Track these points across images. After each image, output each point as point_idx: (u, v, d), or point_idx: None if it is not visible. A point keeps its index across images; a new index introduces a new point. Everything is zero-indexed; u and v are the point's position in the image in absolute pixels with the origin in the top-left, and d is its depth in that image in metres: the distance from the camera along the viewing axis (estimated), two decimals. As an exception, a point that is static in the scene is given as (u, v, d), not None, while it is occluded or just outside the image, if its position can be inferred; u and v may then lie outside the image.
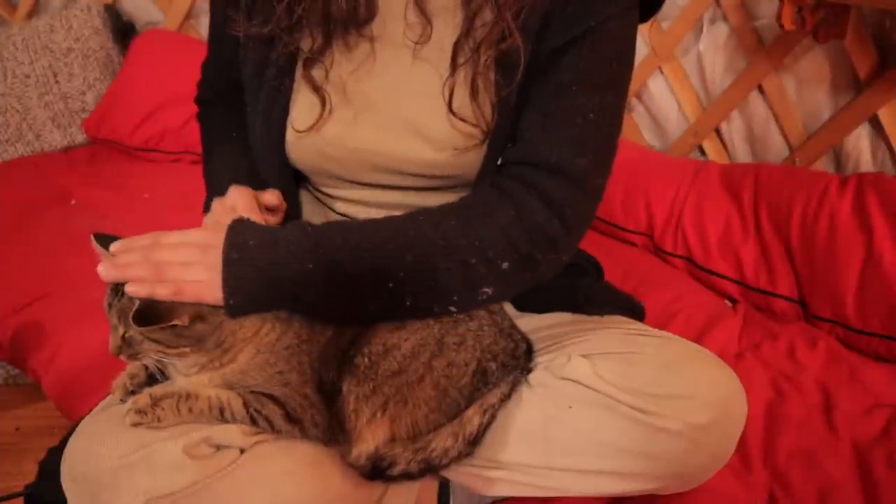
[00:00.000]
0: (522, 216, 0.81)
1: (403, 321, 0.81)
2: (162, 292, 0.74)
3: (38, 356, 1.35)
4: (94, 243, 0.78)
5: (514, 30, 0.80)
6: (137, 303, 0.73)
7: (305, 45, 0.87)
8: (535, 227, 0.81)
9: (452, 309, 0.82)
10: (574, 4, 0.81)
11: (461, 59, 0.83)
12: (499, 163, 0.85)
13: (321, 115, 0.87)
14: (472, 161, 0.87)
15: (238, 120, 1.00)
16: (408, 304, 0.80)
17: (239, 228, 0.78)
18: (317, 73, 0.88)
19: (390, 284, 0.79)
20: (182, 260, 0.76)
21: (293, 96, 0.90)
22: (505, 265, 0.81)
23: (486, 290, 0.82)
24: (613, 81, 0.85)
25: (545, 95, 0.83)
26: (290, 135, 0.90)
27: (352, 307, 0.80)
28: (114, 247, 0.77)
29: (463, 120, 0.84)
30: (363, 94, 0.88)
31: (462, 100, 0.84)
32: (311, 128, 0.88)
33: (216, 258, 0.75)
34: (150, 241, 0.77)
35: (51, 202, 1.86)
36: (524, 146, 0.84)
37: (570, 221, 0.83)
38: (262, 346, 0.79)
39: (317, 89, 0.87)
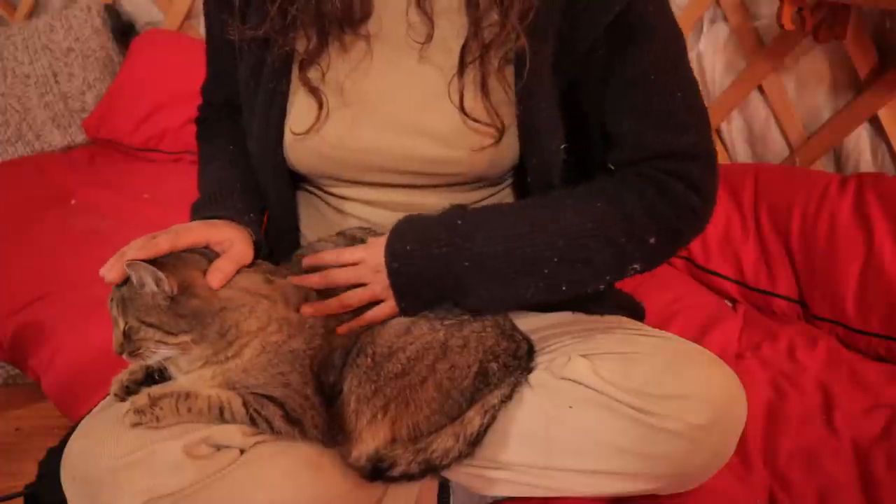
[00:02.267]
0: (664, 192, 0.83)
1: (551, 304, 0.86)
2: (370, 316, 0.83)
3: (38, 356, 1.35)
4: (136, 267, 0.75)
5: (520, 32, 0.80)
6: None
7: (301, 45, 0.87)
8: (676, 201, 0.84)
9: (602, 287, 0.86)
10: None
11: (469, 59, 0.83)
12: (610, 167, 0.87)
13: (318, 118, 0.87)
14: (485, 160, 0.87)
15: (235, 132, 1.00)
16: (564, 288, 0.83)
17: (399, 232, 0.83)
18: (313, 74, 0.88)
19: (545, 271, 0.81)
20: (361, 282, 0.83)
21: (290, 98, 0.89)
22: (652, 240, 0.84)
23: (636, 265, 0.85)
24: (678, 54, 0.87)
25: (626, 94, 0.84)
26: (288, 137, 0.90)
27: (511, 296, 0.83)
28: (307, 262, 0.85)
29: (476, 120, 0.84)
30: (361, 95, 0.88)
31: (473, 100, 0.84)
32: (308, 130, 0.88)
33: (384, 271, 0.82)
34: (331, 259, 0.84)
35: (51, 202, 1.86)
36: (629, 147, 0.85)
37: (704, 191, 0.86)
38: (267, 345, 0.79)
39: (313, 91, 0.87)
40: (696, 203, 0.85)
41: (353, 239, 0.89)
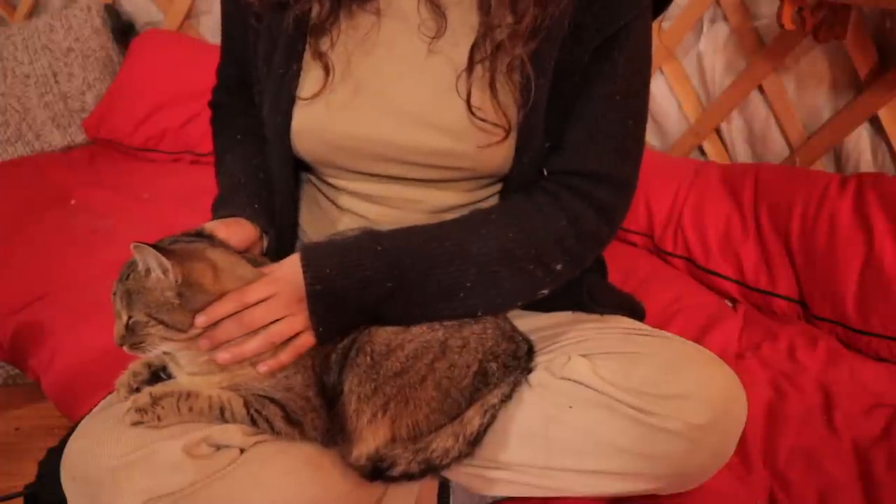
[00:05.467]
0: (575, 224, 0.86)
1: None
2: (285, 358, 0.79)
3: (38, 356, 1.35)
4: (141, 250, 0.75)
5: (528, 41, 0.81)
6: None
7: (315, 11, 0.87)
8: (587, 233, 0.88)
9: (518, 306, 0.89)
10: (599, 8, 0.82)
11: (478, 58, 0.83)
12: (545, 172, 0.89)
13: (325, 85, 0.87)
14: (492, 157, 0.87)
15: (246, 123, 1.00)
16: (479, 312, 0.85)
17: (311, 257, 0.80)
18: (323, 42, 0.88)
19: (461, 294, 0.83)
20: (278, 317, 0.78)
21: (301, 80, 0.89)
22: (559, 267, 0.87)
23: (544, 290, 0.88)
24: (644, 84, 0.90)
25: (589, 107, 0.86)
26: (295, 122, 0.89)
27: (428, 318, 0.84)
28: (199, 320, 0.76)
29: (483, 119, 0.84)
30: (369, 76, 0.88)
31: (481, 98, 0.84)
32: (315, 96, 0.87)
33: (303, 296, 0.79)
34: (235, 306, 0.77)
35: (51, 202, 1.86)
36: (571, 157, 0.87)
37: (616, 222, 0.91)
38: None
39: (321, 56, 0.87)
40: (604, 234, 0.90)
41: None
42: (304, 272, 0.79)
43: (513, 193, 0.90)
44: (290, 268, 0.80)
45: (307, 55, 0.89)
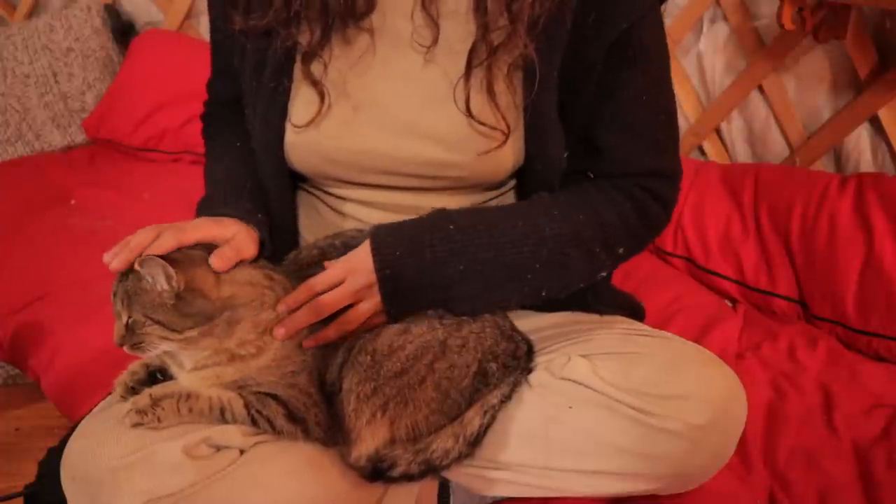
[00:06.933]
0: (639, 209, 0.90)
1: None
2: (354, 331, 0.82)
3: (38, 356, 1.35)
4: (147, 264, 0.74)
5: (526, 41, 0.80)
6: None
7: (304, 38, 0.87)
8: (649, 217, 0.91)
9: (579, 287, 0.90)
10: (600, 6, 0.82)
11: (476, 63, 0.83)
12: (590, 174, 0.91)
13: (319, 111, 0.87)
14: (489, 165, 0.87)
15: (242, 129, 0.99)
16: (543, 293, 0.86)
17: (380, 241, 0.81)
18: (315, 67, 0.87)
19: (529, 276, 0.84)
20: (348, 303, 0.81)
21: (291, 97, 0.89)
22: (621, 250, 0.90)
23: (603, 273, 0.91)
24: (665, 77, 0.91)
25: (618, 112, 0.88)
26: (289, 136, 0.89)
27: (497, 301, 0.85)
28: (280, 308, 0.80)
29: (482, 123, 0.84)
30: (363, 92, 0.88)
31: (480, 102, 0.84)
32: (309, 123, 0.87)
33: (373, 281, 0.81)
34: (307, 295, 0.81)
35: (51, 202, 1.86)
36: (613, 162, 0.90)
37: (671, 207, 0.94)
38: (285, 343, 0.80)
39: (315, 84, 0.87)
40: (663, 219, 0.94)
41: (347, 243, 0.88)
42: (374, 257, 0.80)
43: (518, 203, 0.91)
44: (360, 254, 0.82)
45: (298, 72, 0.88)
